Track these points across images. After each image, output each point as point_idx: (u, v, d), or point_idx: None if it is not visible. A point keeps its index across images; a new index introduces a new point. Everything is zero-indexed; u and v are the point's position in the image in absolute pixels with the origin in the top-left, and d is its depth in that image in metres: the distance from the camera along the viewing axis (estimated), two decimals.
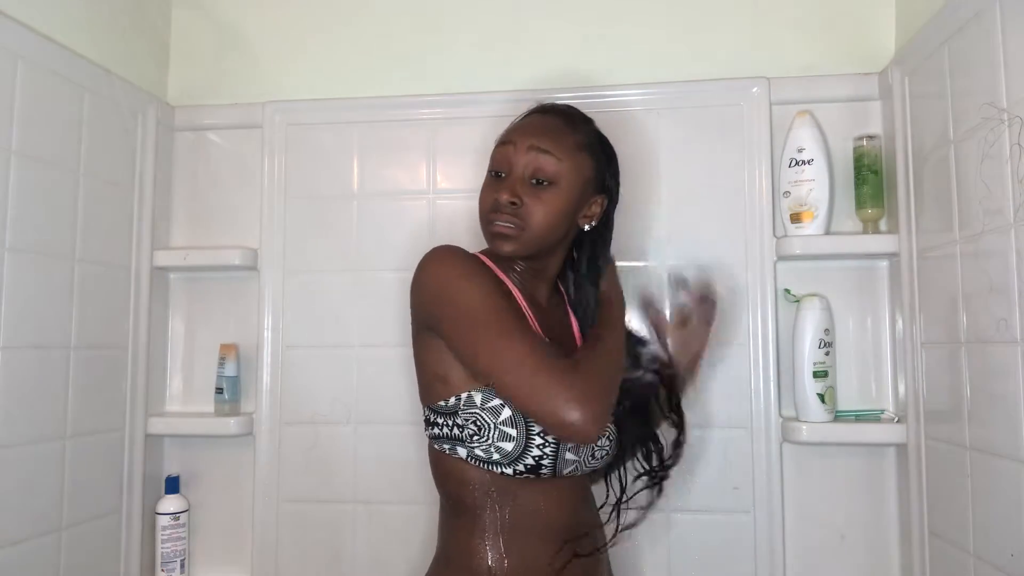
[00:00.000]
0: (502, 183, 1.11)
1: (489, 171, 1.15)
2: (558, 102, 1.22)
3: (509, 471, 1.06)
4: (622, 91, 1.59)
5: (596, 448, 1.11)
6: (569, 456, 1.07)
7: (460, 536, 1.11)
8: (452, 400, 1.07)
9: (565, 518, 1.11)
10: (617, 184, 1.22)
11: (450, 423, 1.08)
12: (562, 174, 1.10)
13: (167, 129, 1.70)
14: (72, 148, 1.42)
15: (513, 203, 1.08)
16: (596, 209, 1.18)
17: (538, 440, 1.05)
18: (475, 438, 1.05)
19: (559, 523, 1.11)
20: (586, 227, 1.18)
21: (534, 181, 1.10)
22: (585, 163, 1.14)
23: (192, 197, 1.73)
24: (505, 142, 1.14)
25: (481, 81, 1.64)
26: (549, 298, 1.22)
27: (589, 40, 1.63)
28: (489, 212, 1.10)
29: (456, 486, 1.10)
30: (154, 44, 1.72)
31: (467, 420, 1.06)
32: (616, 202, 1.23)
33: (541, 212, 1.09)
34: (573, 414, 0.97)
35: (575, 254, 1.24)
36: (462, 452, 1.07)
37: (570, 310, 1.26)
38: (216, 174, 1.73)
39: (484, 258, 1.15)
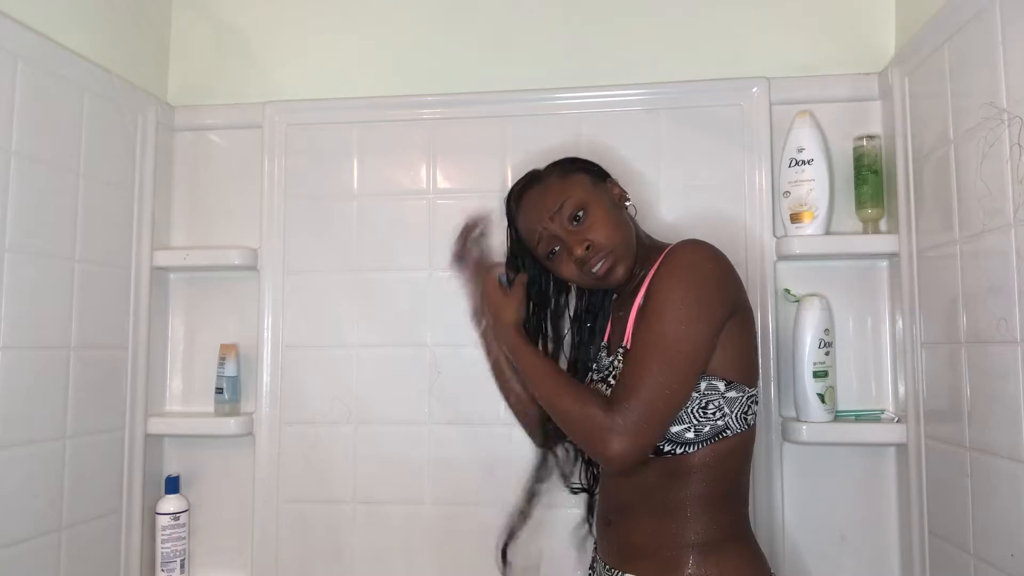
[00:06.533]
0: (565, 248, 1.19)
1: (545, 258, 1.22)
2: (516, 181, 1.29)
3: None
4: (622, 91, 1.59)
5: None
6: None
7: None
8: None
9: (602, 498, 1.26)
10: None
11: None
12: (580, 197, 1.19)
13: (167, 129, 1.70)
14: (72, 148, 1.42)
15: (587, 246, 1.16)
16: (619, 190, 1.26)
17: None
18: None
19: (601, 501, 1.27)
20: (629, 204, 1.26)
21: (575, 222, 1.18)
22: (578, 178, 1.23)
23: (192, 197, 1.73)
24: (539, 239, 1.21)
25: (481, 81, 1.64)
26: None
27: (589, 40, 1.63)
28: (582, 271, 1.18)
29: None
30: (154, 44, 1.72)
31: None
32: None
33: (603, 227, 1.17)
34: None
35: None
36: None
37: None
38: (216, 174, 1.73)
39: None
